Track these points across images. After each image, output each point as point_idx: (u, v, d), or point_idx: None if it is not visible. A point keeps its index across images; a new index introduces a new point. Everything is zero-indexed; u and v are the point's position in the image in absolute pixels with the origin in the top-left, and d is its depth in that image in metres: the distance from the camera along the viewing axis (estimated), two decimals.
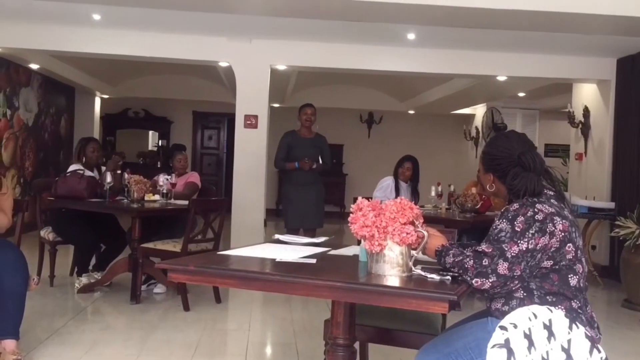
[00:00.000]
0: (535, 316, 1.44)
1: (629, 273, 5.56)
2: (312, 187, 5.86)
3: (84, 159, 5.43)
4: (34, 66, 8.39)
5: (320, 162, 5.89)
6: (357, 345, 2.34)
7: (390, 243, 1.92)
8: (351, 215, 2.00)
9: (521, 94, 10.02)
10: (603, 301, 6.00)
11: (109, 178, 5.06)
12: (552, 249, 1.96)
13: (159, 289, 5.24)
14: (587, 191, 7.22)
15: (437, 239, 2.08)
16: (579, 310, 2.01)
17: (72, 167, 5.38)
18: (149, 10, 5.80)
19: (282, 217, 5.99)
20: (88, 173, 5.25)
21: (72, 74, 9.37)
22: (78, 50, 6.92)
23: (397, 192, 6.09)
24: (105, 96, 11.40)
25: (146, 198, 5.10)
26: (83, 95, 10.81)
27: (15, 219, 3.60)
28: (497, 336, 1.36)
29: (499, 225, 2.02)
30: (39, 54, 7.78)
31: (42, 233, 5.38)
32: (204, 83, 11.02)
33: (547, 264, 1.98)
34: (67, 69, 9.09)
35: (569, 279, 2.00)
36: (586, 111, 7.46)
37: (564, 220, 1.99)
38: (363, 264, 2.15)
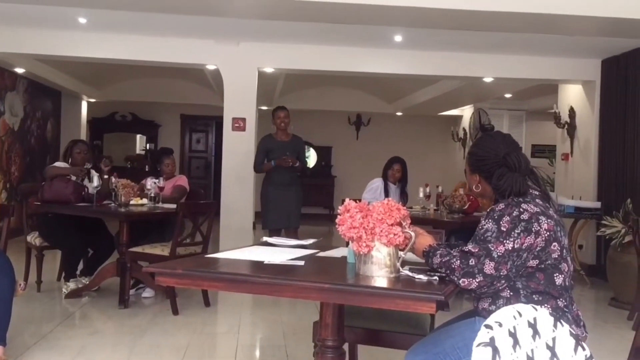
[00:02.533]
0: (520, 314, 1.45)
1: (616, 272, 5.61)
2: (291, 188, 5.94)
3: (70, 160, 5.42)
4: (19, 70, 8.33)
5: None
6: (346, 346, 2.34)
7: (377, 244, 1.93)
8: (339, 216, 2.00)
9: (508, 95, 10.09)
10: (590, 300, 6.05)
11: (95, 182, 5.04)
12: (538, 248, 1.98)
13: (148, 293, 5.22)
14: (574, 191, 7.28)
15: (425, 239, 2.10)
16: (565, 309, 2.03)
17: (56, 164, 5.40)
18: (135, 14, 5.78)
19: (261, 217, 6.03)
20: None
21: (58, 78, 9.31)
22: (64, 54, 6.88)
23: (386, 194, 6.11)
24: (92, 100, 11.34)
25: (133, 202, 5.08)
26: (69, 99, 10.74)
27: (1, 224, 3.58)
28: (482, 335, 1.37)
29: (485, 225, 2.04)
30: (25, 57, 7.73)
31: (29, 238, 5.33)
32: (191, 86, 10.99)
33: (533, 263, 2.00)
34: (53, 72, 9.04)
35: (555, 277, 2.02)
36: (572, 112, 7.53)
37: (549, 220, 2.01)
38: (351, 265, 2.15)
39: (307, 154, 12.53)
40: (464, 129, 11.67)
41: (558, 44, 6.39)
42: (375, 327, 2.71)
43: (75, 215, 5.05)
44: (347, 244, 2.20)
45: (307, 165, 6.22)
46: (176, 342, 3.98)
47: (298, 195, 6.02)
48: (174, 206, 4.92)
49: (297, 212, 6.00)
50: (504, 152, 2.15)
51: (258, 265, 2.15)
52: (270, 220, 5.91)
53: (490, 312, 1.91)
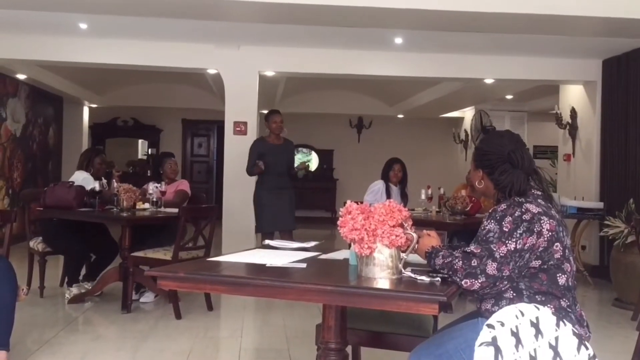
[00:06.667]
0: (522, 314, 1.45)
1: (619, 272, 5.59)
2: (284, 191, 5.93)
3: (91, 170, 5.43)
4: (21, 76, 8.35)
5: (296, 166, 6.11)
6: (349, 349, 2.34)
7: (379, 246, 1.93)
8: (340, 219, 2.00)
9: (509, 97, 10.08)
10: (594, 301, 6.03)
11: (97, 186, 5.05)
12: (540, 248, 1.98)
13: (146, 298, 5.20)
14: (576, 191, 7.27)
15: (429, 240, 2.09)
16: (568, 309, 2.02)
17: (78, 174, 5.39)
18: (136, 19, 5.79)
19: (255, 221, 6.03)
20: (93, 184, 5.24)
21: (60, 84, 9.33)
22: (65, 60, 6.90)
23: (388, 195, 6.11)
24: (94, 105, 11.35)
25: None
26: (71, 105, 10.76)
27: (4, 230, 3.58)
28: (485, 334, 1.37)
29: (487, 225, 2.03)
30: (26, 64, 7.75)
31: (31, 244, 5.34)
32: (192, 90, 11.00)
33: (536, 263, 1.99)
34: (55, 78, 9.05)
35: (558, 278, 2.02)
36: (573, 112, 7.52)
37: (551, 220, 2.01)
38: (353, 267, 2.15)
39: (309, 159, 12.55)
40: (466, 131, 11.66)
41: (558, 45, 6.39)
42: (378, 329, 2.70)
43: (78, 220, 5.05)
44: (349, 246, 2.20)
45: (298, 176, 6.22)
46: (179, 346, 3.98)
47: (291, 198, 5.99)
48: (175, 210, 4.92)
49: (290, 214, 5.96)
50: (509, 149, 2.16)
51: (260, 268, 2.15)
52: (263, 224, 5.89)
53: (493, 313, 1.91)
